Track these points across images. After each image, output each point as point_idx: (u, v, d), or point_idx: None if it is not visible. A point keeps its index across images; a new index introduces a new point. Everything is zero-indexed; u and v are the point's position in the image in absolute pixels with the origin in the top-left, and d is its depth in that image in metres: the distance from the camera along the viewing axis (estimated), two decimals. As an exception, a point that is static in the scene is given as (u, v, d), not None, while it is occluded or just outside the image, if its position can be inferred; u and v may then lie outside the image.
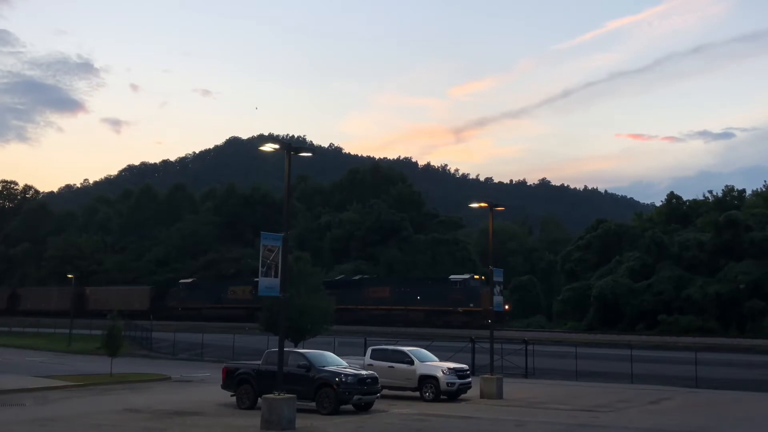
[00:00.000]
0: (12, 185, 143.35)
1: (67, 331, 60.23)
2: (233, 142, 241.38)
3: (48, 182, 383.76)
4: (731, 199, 77.86)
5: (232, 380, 23.79)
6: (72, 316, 62.52)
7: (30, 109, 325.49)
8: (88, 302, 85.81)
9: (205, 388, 29.01)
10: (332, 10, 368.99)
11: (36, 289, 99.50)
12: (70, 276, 66.55)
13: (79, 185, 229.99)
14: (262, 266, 19.02)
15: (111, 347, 34.22)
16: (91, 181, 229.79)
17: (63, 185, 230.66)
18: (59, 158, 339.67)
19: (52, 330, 66.07)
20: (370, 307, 64.88)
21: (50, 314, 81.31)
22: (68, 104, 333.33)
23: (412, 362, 26.19)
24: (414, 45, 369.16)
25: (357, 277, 72.03)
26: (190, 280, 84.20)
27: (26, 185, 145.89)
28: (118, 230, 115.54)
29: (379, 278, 74.99)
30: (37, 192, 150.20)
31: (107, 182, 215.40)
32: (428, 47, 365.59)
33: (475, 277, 63.49)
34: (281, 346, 19.44)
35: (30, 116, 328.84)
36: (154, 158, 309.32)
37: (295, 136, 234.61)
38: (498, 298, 29.42)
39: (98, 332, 40.20)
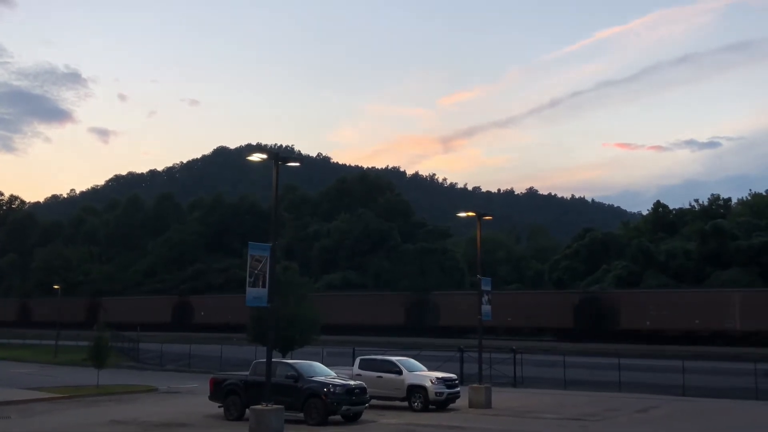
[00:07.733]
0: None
1: (52, 342, 59.75)
2: (221, 152, 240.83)
3: (34, 192, 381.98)
4: (717, 207, 78.69)
5: (219, 391, 23.66)
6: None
7: (17, 120, 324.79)
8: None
9: (192, 400, 28.83)
10: (321, 21, 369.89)
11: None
12: (56, 287, 65.99)
13: (65, 195, 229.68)
14: (250, 276, 18.95)
15: (98, 359, 33.95)
16: (77, 192, 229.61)
17: (49, 195, 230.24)
18: (46, 168, 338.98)
19: (38, 341, 65.49)
20: None
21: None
22: (56, 114, 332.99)
23: (400, 372, 26.09)
24: (403, 55, 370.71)
25: None
26: None
27: (12, 195, 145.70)
28: (105, 241, 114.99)
29: None
30: (23, 202, 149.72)
31: (94, 192, 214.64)
32: (417, 57, 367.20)
33: None
34: (269, 357, 19.36)
35: (17, 126, 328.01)
36: (142, 168, 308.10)
37: (283, 146, 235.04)
38: (486, 308, 29.41)
39: (84, 343, 39.91)
